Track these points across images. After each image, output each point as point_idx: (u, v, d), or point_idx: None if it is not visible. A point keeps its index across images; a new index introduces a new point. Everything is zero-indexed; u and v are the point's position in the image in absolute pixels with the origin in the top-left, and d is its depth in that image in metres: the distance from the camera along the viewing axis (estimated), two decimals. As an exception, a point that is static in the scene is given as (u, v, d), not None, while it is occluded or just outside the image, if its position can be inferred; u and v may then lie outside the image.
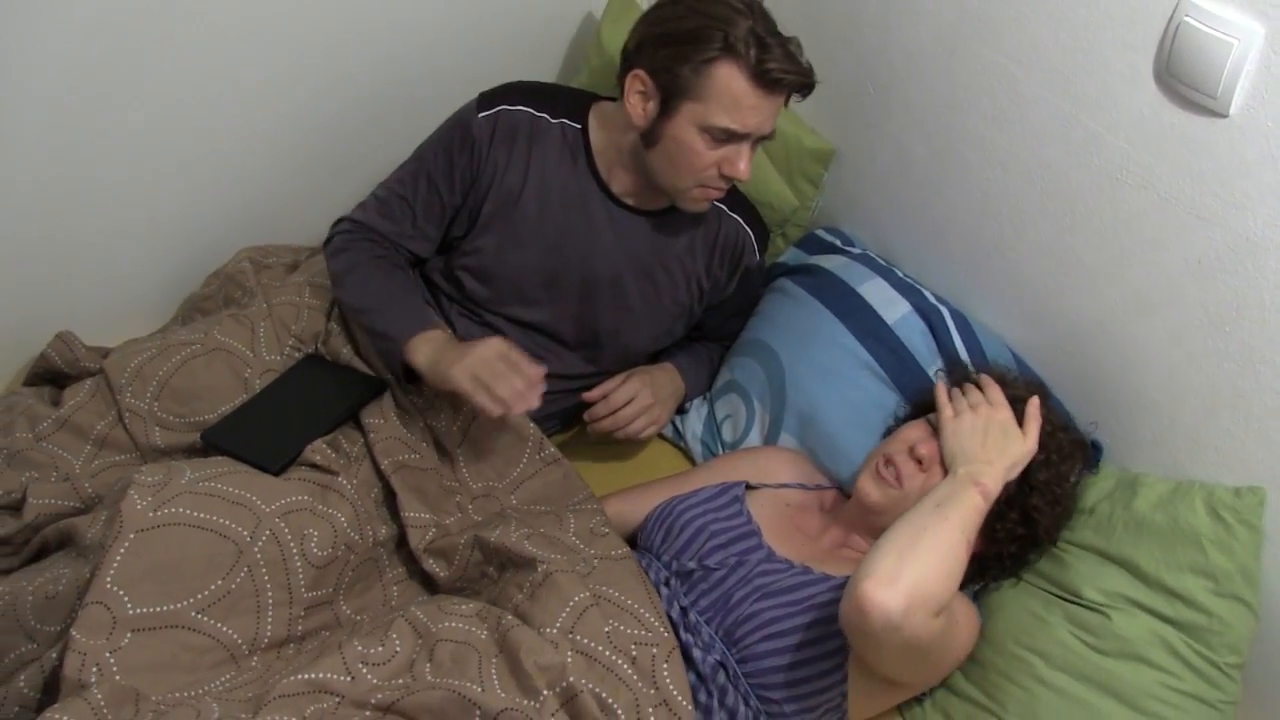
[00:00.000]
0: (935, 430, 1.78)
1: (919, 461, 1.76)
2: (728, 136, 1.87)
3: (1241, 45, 1.48)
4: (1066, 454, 1.79)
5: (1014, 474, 1.69)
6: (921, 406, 1.92)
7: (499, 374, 1.84)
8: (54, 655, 1.53)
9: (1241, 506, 1.68)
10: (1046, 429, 1.76)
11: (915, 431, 1.81)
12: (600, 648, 1.60)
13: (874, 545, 1.53)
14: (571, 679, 1.54)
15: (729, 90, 1.82)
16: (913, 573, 1.47)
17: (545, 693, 1.53)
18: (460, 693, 1.51)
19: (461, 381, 1.85)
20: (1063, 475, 1.78)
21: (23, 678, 1.54)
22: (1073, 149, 1.80)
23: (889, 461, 1.79)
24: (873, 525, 1.80)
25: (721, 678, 1.67)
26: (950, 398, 1.79)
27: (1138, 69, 1.65)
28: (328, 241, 2.16)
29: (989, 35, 1.87)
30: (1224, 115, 1.55)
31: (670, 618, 1.73)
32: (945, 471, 1.72)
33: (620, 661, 1.59)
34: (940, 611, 1.52)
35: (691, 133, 1.87)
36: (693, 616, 1.73)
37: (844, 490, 2.01)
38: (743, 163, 1.90)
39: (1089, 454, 1.87)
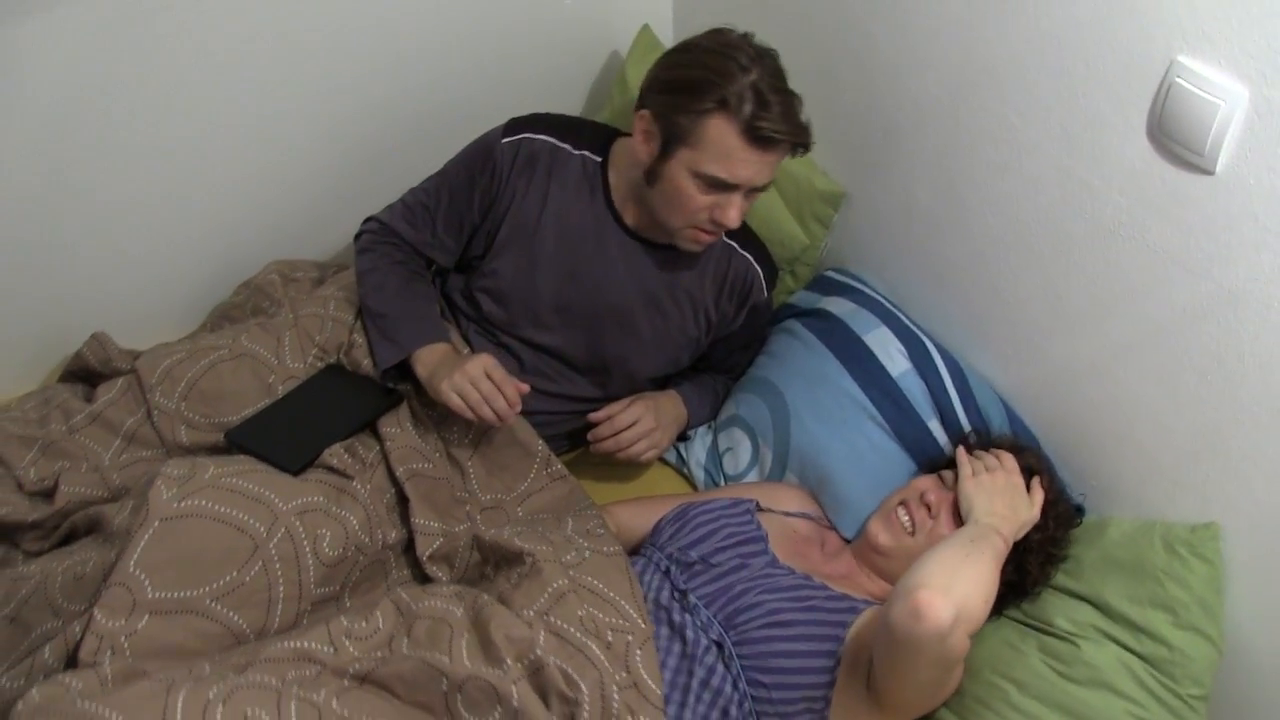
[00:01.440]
0: (945, 484, 1.90)
1: (928, 508, 1.87)
2: (719, 185, 1.91)
3: (1227, 107, 1.53)
4: (1062, 521, 1.89)
5: (1020, 534, 1.79)
6: (931, 464, 2.02)
7: (484, 393, 1.94)
8: (77, 629, 1.58)
9: (1196, 541, 1.73)
10: (1050, 498, 1.87)
11: (926, 482, 1.93)
12: (573, 630, 1.65)
13: (918, 562, 1.58)
14: (540, 652, 1.59)
15: (721, 143, 1.87)
16: (961, 588, 1.53)
17: (509, 662, 1.58)
18: (430, 662, 1.57)
19: (448, 398, 1.95)
20: (1057, 540, 1.88)
21: (48, 650, 1.58)
22: (1068, 198, 1.84)
23: (903, 505, 1.89)
24: (878, 566, 1.90)
25: (712, 658, 1.72)
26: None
27: (1131, 124, 1.69)
28: (358, 237, 2.24)
29: (992, 86, 1.91)
30: (1210, 173, 1.60)
31: (659, 601, 1.80)
32: (956, 523, 1.83)
33: (592, 644, 1.65)
34: (973, 634, 1.58)
35: (685, 177, 1.92)
36: (692, 599, 1.79)
37: (840, 534, 2.07)
38: (733, 210, 1.94)
39: (1075, 519, 1.96)
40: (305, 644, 1.59)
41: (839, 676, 1.72)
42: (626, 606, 1.74)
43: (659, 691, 1.65)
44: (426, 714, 1.57)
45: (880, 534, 1.89)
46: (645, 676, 1.66)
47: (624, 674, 1.65)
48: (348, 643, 1.61)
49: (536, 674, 1.59)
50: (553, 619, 1.66)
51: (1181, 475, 1.81)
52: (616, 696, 1.61)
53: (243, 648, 1.64)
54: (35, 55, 2.02)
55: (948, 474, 1.93)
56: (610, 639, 1.68)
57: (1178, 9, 1.58)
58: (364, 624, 1.65)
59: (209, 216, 2.40)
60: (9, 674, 1.59)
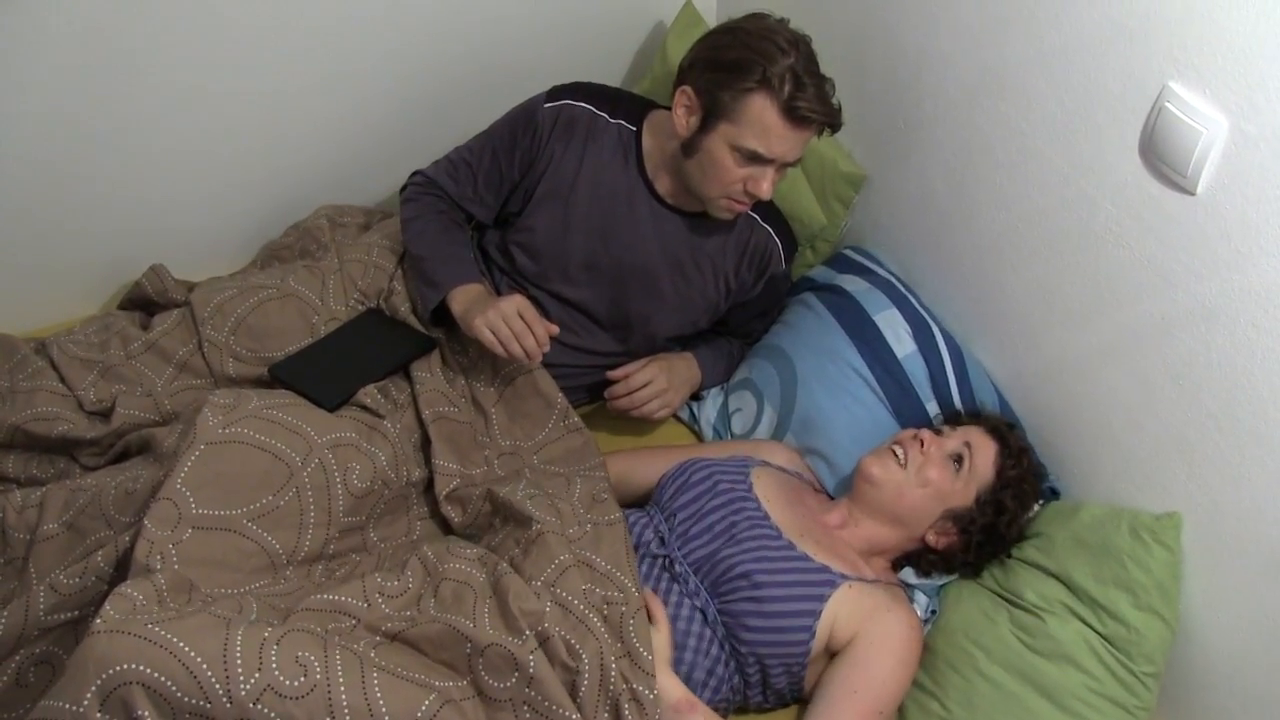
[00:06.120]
0: (937, 431, 2.01)
1: (921, 443, 1.97)
2: (755, 158, 2.01)
3: (1209, 134, 1.60)
4: (1032, 469, 2.01)
5: None
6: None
7: (515, 330, 2.02)
8: (127, 539, 1.70)
9: (1159, 528, 1.82)
10: (1021, 446, 2.00)
11: (918, 428, 2.04)
12: (576, 602, 1.74)
13: None
14: (547, 624, 1.68)
15: (760, 119, 1.97)
16: None
17: (527, 632, 1.67)
18: (456, 627, 1.66)
19: (481, 333, 2.03)
20: (1026, 477, 1.99)
21: (100, 555, 1.71)
22: (1066, 204, 1.91)
23: (897, 443, 2.00)
24: (868, 500, 1.99)
25: (695, 623, 1.85)
26: None
27: (1126, 141, 1.76)
28: (403, 188, 2.33)
29: (1004, 92, 1.99)
30: (1192, 193, 1.67)
31: (652, 569, 1.91)
32: (946, 468, 1.95)
33: (592, 616, 1.73)
34: None
35: (724, 150, 2.02)
36: (678, 567, 1.89)
37: (829, 494, 2.17)
38: (765, 183, 2.04)
39: (1043, 478, 2.07)
40: (341, 598, 1.68)
41: (813, 648, 1.83)
42: (624, 579, 1.83)
43: (650, 657, 1.74)
44: (451, 670, 1.66)
45: (873, 465, 1.98)
46: (638, 646, 1.74)
47: (619, 644, 1.74)
48: (380, 600, 1.71)
49: (545, 644, 1.68)
50: (558, 590, 1.75)
51: (1152, 470, 1.88)
52: (614, 666, 1.70)
53: (283, 593, 1.73)
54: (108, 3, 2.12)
55: (945, 427, 2.04)
56: (606, 611, 1.77)
57: (1172, 37, 1.65)
58: (395, 583, 1.75)
59: (265, 160, 2.49)
60: (66, 573, 1.72)
